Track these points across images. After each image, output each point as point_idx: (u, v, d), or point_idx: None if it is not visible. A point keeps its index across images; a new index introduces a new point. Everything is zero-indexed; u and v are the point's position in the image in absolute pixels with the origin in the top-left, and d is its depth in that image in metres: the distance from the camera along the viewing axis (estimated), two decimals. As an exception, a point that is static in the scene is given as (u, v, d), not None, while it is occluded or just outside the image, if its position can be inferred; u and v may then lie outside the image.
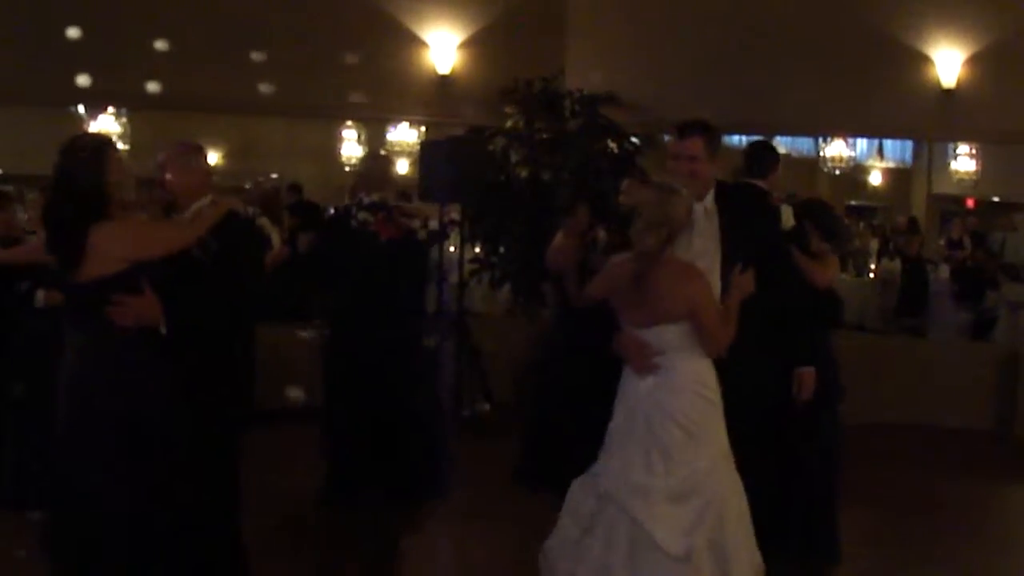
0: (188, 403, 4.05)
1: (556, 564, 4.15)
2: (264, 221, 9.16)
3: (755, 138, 7.13)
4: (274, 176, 15.18)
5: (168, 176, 4.60)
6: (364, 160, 6.87)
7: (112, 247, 3.86)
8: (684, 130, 4.35)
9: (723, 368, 4.11)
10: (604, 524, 4.03)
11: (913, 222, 12.75)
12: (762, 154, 5.65)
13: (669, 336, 4.04)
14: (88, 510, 3.85)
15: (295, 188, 12.18)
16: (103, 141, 4.19)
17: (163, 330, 3.98)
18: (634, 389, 4.09)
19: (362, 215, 6.12)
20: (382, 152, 12.23)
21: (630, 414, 4.08)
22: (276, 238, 9.01)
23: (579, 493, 4.15)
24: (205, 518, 4.14)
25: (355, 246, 6.11)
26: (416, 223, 6.20)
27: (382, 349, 6.09)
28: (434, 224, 6.78)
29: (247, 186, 12.96)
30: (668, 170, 4.30)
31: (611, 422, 4.16)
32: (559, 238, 4.76)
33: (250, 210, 10.80)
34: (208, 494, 4.19)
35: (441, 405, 6.66)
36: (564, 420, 6.74)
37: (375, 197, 6.16)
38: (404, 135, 13.83)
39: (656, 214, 3.96)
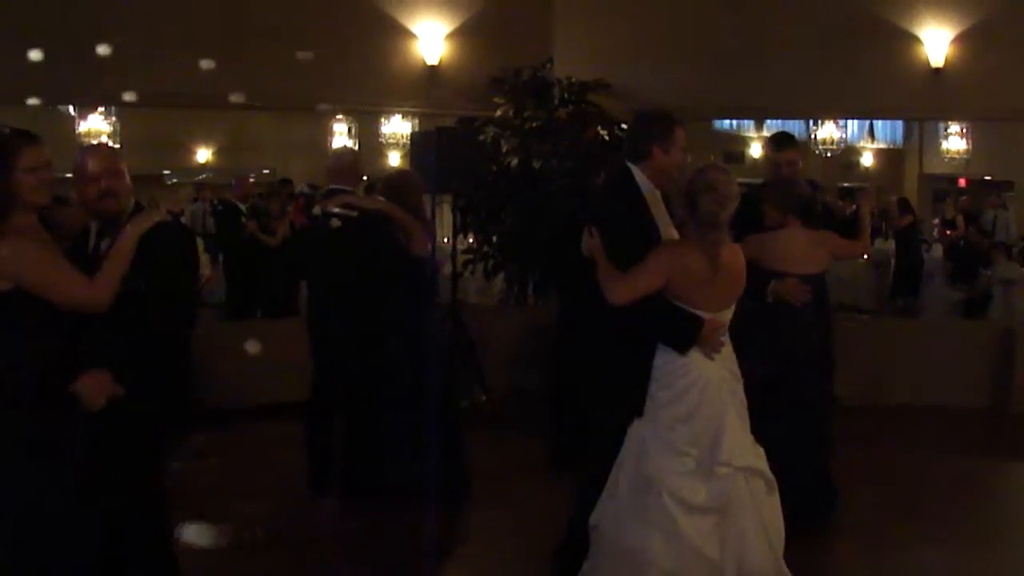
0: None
1: (692, 558, 4.06)
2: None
3: (745, 123, 7.13)
4: (266, 172, 15.19)
5: (109, 183, 3.95)
6: (332, 154, 6.91)
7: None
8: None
9: None
10: (740, 495, 4.08)
11: (903, 202, 12.76)
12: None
13: (732, 311, 4.22)
14: None
15: (285, 183, 12.21)
16: (7, 141, 3.58)
17: None
18: (708, 369, 4.16)
19: (289, 207, 6.21)
20: (351, 146, 12.25)
21: (715, 393, 4.15)
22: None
23: (688, 492, 4.08)
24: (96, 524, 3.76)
25: (292, 238, 6.21)
26: (319, 209, 6.16)
27: (342, 340, 6.06)
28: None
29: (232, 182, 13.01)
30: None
31: (675, 409, 4.16)
32: None
33: (244, 204, 10.90)
34: (106, 501, 3.83)
35: (438, 398, 6.49)
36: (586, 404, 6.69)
37: (305, 188, 6.25)
38: (396, 127, 13.84)
39: (733, 190, 4.08)
